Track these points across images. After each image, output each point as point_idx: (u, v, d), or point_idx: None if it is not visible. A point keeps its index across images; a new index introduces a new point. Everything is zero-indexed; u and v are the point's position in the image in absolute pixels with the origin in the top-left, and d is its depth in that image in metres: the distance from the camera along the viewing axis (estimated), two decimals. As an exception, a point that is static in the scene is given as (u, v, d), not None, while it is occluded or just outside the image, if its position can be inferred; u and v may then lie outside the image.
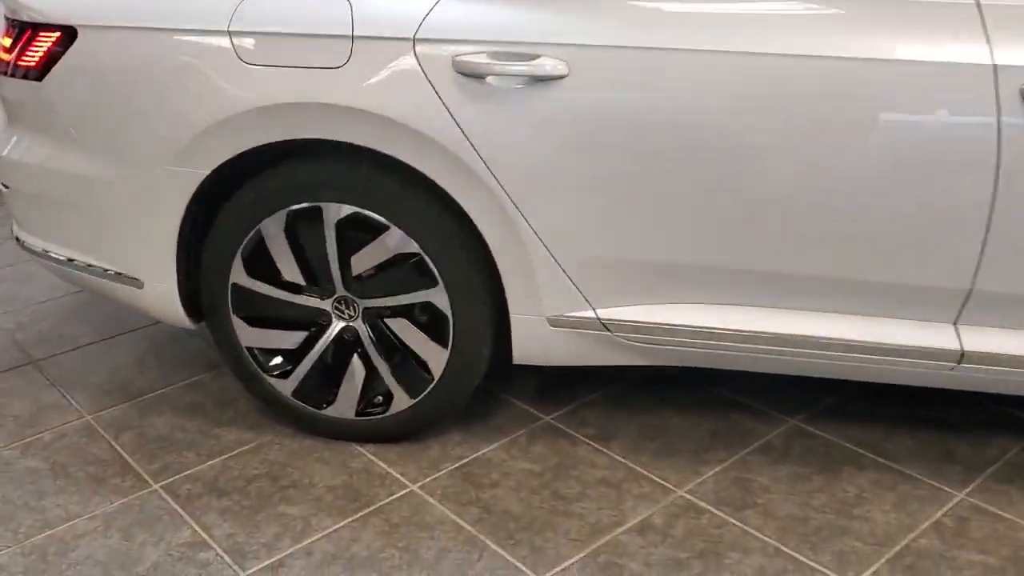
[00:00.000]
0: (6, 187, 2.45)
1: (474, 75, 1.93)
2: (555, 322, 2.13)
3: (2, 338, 3.04)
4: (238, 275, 2.26)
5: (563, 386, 2.64)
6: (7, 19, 2.31)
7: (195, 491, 2.24)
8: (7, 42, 2.30)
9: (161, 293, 2.32)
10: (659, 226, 1.96)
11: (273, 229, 2.19)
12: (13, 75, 2.28)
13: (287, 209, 2.15)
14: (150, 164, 2.16)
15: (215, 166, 2.12)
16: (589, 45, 1.87)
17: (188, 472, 2.31)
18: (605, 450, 2.36)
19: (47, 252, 2.44)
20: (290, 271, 2.24)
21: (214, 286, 2.29)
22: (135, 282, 2.34)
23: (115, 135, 2.18)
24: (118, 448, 2.41)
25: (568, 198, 1.99)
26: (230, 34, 2.03)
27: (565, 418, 2.50)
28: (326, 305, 2.27)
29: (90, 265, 2.38)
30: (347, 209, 2.12)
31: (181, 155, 2.12)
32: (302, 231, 2.18)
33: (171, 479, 2.29)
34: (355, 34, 1.97)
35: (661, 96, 1.85)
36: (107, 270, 2.36)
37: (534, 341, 2.18)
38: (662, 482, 2.23)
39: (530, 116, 1.93)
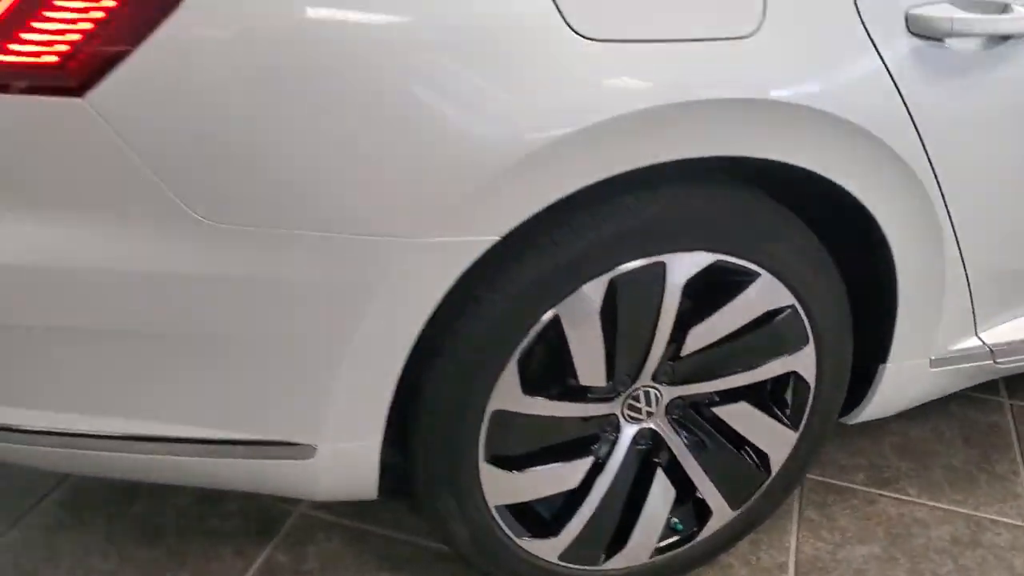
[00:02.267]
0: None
1: (932, 36, 1.28)
2: (939, 362, 1.58)
3: None
4: (505, 396, 1.34)
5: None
6: None
7: None
8: None
9: (347, 458, 1.32)
10: None
11: (582, 309, 1.31)
12: None
13: (613, 273, 1.30)
14: (379, 238, 1.17)
15: (513, 226, 1.20)
16: None
17: None
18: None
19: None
20: (592, 369, 1.38)
21: (452, 426, 1.35)
22: (300, 450, 1.30)
23: (298, 197, 1.15)
24: None
25: (1011, 196, 1.45)
26: None
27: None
28: (614, 408, 1.46)
29: (204, 441, 1.27)
30: (704, 259, 1.34)
31: (447, 216, 1.17)
32: (623, 303, 1.34)
33: None
34: None
35: None
36: (239, 441, 1.29)
37: (896, 392, 1.60)
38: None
39: (994, 93, 1.35)
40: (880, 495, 1.89)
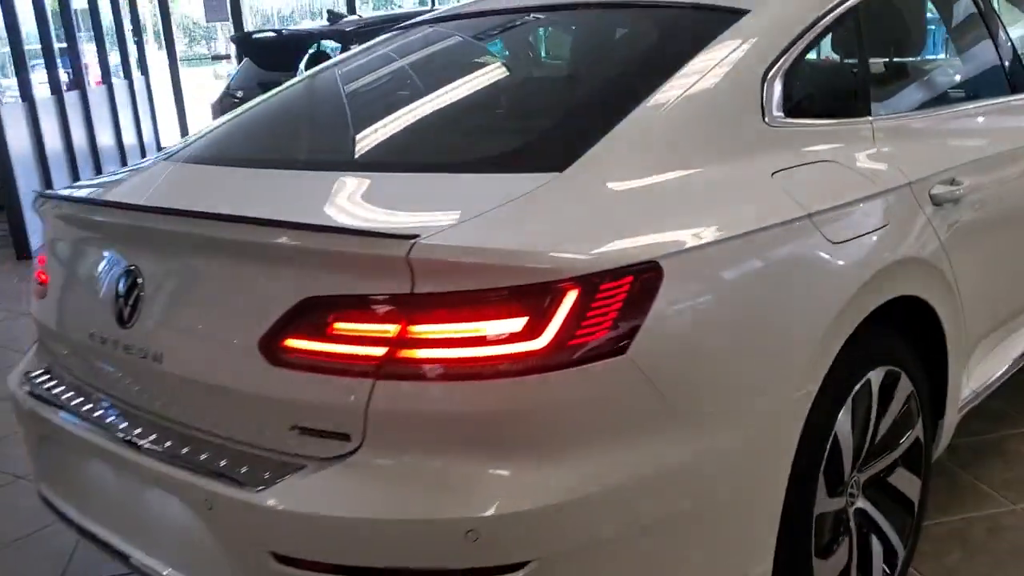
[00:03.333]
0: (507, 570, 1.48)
1: (941, 203, 2.16)
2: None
3: None
4: (821, 499, 1.87)
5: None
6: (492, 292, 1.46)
7: None
8: (511, 325, 1.46)
9: None
10: None
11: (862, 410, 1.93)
12: (556, 367, 1.47)
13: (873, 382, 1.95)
14: (780, 389, 1.70)
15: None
16: None
17: None
18: None
19: None
20: (852, 460, 1.97)
21: (798, 530, 1.83)
22: None
23: (736, 378, 1.65)
24: None
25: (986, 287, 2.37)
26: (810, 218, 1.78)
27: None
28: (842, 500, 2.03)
29: None
30: (884, 370, 2.01)
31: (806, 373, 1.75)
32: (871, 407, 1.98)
33: None
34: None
35: None
36: None
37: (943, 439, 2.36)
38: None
39: (972, 227, 2.27)
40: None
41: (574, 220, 1.59)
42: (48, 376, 2.13)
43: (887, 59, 2.58)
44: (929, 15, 2.93)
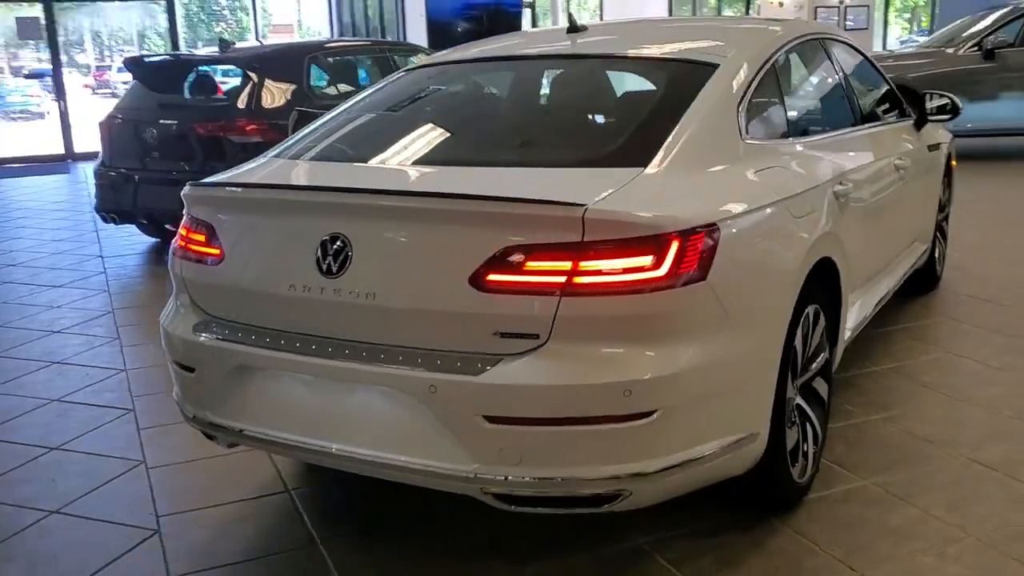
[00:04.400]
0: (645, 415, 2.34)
1: None
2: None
3: None
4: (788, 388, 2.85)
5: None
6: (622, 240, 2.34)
7: None
8: (644, 261, 2.33)
9: (764, 438, 2.70)
10: None
11: (803, 333, 2.94)
12: (669, 287, 2.35)
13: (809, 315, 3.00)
14: (775, 311, 2.67)
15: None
16: None
17: None
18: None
19: (688, 460, 2.44)
20: (798, 366, 3.00)
21: (780, 405, 2.79)
22: (751, 438, 2.64)
23: (756, 301, 2.58)
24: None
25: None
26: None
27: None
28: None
29: (726, 447, 2.56)
30: (813, 308, 3.04)
31: (788, 301, 2.74)
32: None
33: None
34: None
35: None
36: (733, 442, 2.59)
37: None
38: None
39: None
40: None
41: (667, 196, 2.50)
42: (219, 323, 2.78)
43: (796, 98, 3.67)
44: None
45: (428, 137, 3.21)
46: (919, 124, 4.67)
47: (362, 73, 7.94)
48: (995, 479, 3.26)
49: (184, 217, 2.97)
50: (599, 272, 2.33)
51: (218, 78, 7.91)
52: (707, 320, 2.45)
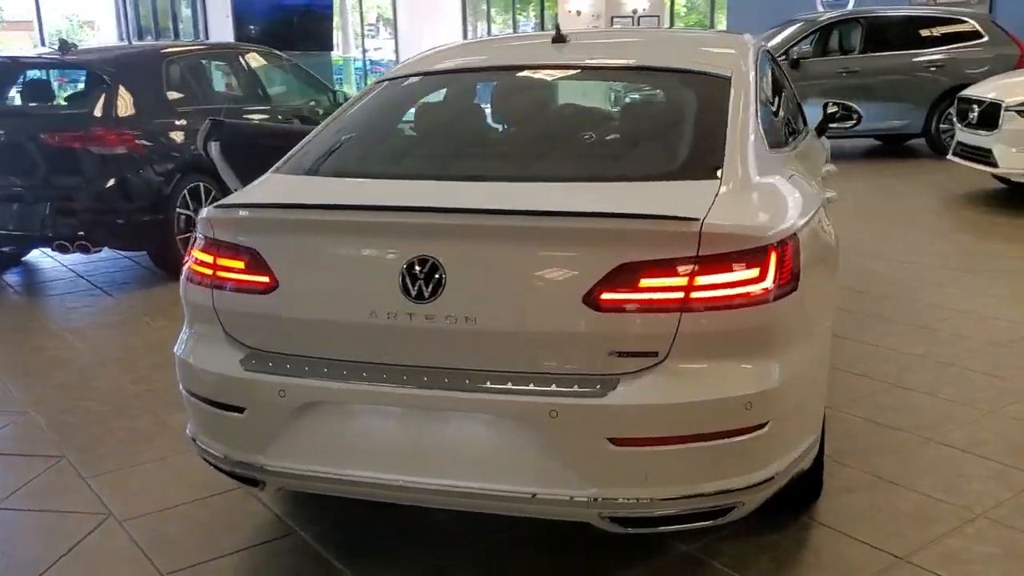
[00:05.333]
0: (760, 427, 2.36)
1: None
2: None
3: None
4: None
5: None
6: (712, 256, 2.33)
7: None
8: (752, 273, 2.34)
9: (819, 436, 2.79)
10: None
11: None
12: (775, 298, 2.38)
13: None
14: (828, 314, 2.78)
15: None
16: None
17: None
18: None
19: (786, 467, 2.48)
20: None
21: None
22: (817, 438, 2.72)
23: (820, 306, 2.67)
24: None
25: None
26: None
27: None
28: None
29: (806, 449, 2.63)
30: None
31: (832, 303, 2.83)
32: None
33: None
34: None
35: None
36: (810, 444, 2.66)
37: None
38: None
39: None
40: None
41: (752, 208, 2.52)
42: (274, 358, 2.55)
43: (776, 108, 3.80)
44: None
45: (476, 151, 3.08)
46: (820, 131, 4.96)
47: (217, 76, 7.49)
48: (969, 460, 3.53)
49: (200, 241, 2.69)
50: (715, 286, 2.32)
51: (55, 82, 7.20)
52: (798, 328, 2.50)
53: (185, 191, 6.39)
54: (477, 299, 2.38)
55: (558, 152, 3.08)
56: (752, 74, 3.19)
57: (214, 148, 4.53)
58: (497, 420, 2.37)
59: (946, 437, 3.72)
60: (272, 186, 2.92)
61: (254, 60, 7.63)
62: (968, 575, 2.81)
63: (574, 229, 2.35)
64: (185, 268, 2.77)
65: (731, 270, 2.33)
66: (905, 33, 11.62)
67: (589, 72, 3.46)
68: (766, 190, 2.71)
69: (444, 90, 3.43)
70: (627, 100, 3.41)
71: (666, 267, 2.31)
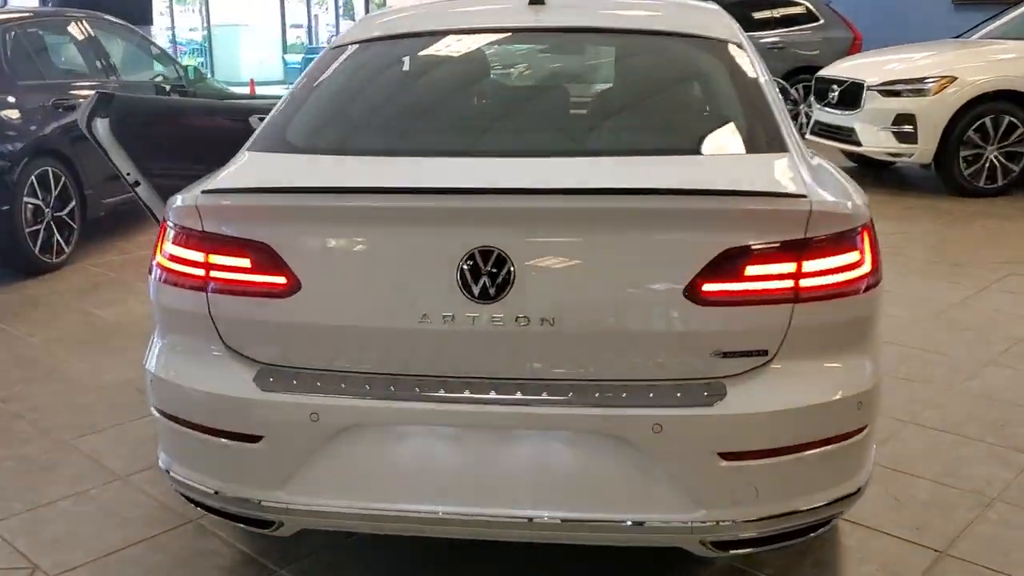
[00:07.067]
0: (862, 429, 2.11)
1: None
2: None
3: None
4: None
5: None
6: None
7: None
8: (853, 257, 2.09)
9: None
10: None
11: None
12: (875, 284, 2.14)
13: None
14: None
15: None
16: None
17: None
18: None
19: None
20: None
21: None
22: None
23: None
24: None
25: None
26: None
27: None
28: None
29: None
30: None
31: None
32: None
33: None
34: None
35: None
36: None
37: None
38: None
39: None
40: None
41: (831, 186, 2.26)
42: (298, 374, 2.09)
43: None
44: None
45: (508, 123, 2.64)
46: None
47: (56, 47, 6.60)
48: (955, 441, 3.47)
49: (180, 234, 2.18)
50: (823, 272, 2.06)
51: None
52: (880, 318, 2.29)
53: (33, 177, 5.57)
54: (554, 296, 2.02)
55: (602, 123, 2.72)
56: (745, 40, 2.94)
57: (101, 127, 3.86)
58: (584, 438, 2.03)
59: (920, 418, 3.65)
60: (268, 167, 2.43)
61: (93, 28, 6.77)
62: (1015, 564, 2.72)
63: (673, 210, 2.03)
64: (156, 268, 2.25)
65: (837, 253, 2.08)
66: (740, 15, 11.84)
67: (596, 36, 3.09)
68: (818, 166, 2.47)
69: (441, 53, 2.96)
70: (645, 66, 3.06)
71: (776, 251, 2.03)
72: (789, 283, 2.03)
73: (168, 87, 7.06)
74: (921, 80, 7.99)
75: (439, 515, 2.07)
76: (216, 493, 2.22)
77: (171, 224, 2.22)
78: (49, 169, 5.69)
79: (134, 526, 2.87)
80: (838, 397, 2.08)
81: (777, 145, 2.36)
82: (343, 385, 2.07)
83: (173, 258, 2.19)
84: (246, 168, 2.42)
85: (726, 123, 2.58)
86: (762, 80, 2.64)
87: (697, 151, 2.45)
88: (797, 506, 2.10)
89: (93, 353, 4.42)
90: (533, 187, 2.06)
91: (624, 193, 2.03)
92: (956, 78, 7.85)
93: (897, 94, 8.05)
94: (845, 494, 2.16)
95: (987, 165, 7.78)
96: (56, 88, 6.07)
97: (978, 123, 7.72)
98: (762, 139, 2.41)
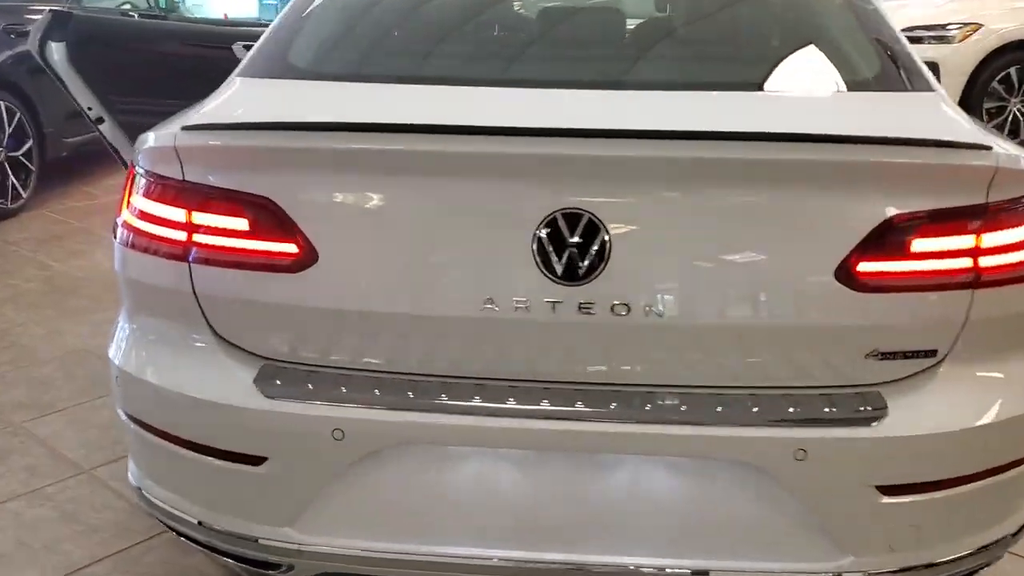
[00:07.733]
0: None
1: None
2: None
3: None
4: None
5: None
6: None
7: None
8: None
9: None
10: None
11: None
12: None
13: None
14: None
15: None
16: None
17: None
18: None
19: None
20: None
21: None
22: None
23: None
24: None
25: None
26: None
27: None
28: None
29: None
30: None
31: None
32: None
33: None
34: None
35: None
36: None
37: None
38: None
39: None
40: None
41: (993, 135, 1.74)
42: (313, 375, 1.58)
43: None
44: None
45: (579, 46, 2.09)
46: None
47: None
48: None
49: (153, 184, 1.64)
50: (1009, 248, 1.56)
51: None
52: None
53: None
54: (662, 278, 1.52)
55: (692, 48, 2.15)
56: None
57: (57, 52, 3.27)
58: (701, 465, 1.54)
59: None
60: (268, 96, 1.88)
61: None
62: None
63: (823, 164, 1.50)
64: (122, 229, 1.71)
65: (1020, 224, 1.58)
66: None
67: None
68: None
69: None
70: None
71: (951, 221, 1.53)
72: (967, 261, 1.53)
73: (136, 15, 6.41)
74: (944, 27, 7.52)
75: (510, 562, 1.58)
76: (200, 524, 1.71)
77: (141, 171, 1.68)
78: (2, 104, 5.08)
79: (100, 536, 2.37)
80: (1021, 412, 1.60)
81: (920, 82, 1.85)
82: (376, 392, 1.56)
83: (144, 216, 1.65)
84: (239, 98, 1.87)
85: (852, 53, 2.05)
86: (881, 6, 2.13)
87: (822, 87, 1.93)
88: (966, 548, 1.63)
89: (51, 315, 3.88)
90: (635, 128, 1.53)
91: (758, 138, 1.51)
92: (982, 25, 7.39)
93: (919, 40, 7.56)
94: (1013, 530, 1.69)
95: (1010, 118, 7.36)
96: (7, 11, 5.42)
97: (1002, 74, 7.30)
98: (900, 74, 1.89)
